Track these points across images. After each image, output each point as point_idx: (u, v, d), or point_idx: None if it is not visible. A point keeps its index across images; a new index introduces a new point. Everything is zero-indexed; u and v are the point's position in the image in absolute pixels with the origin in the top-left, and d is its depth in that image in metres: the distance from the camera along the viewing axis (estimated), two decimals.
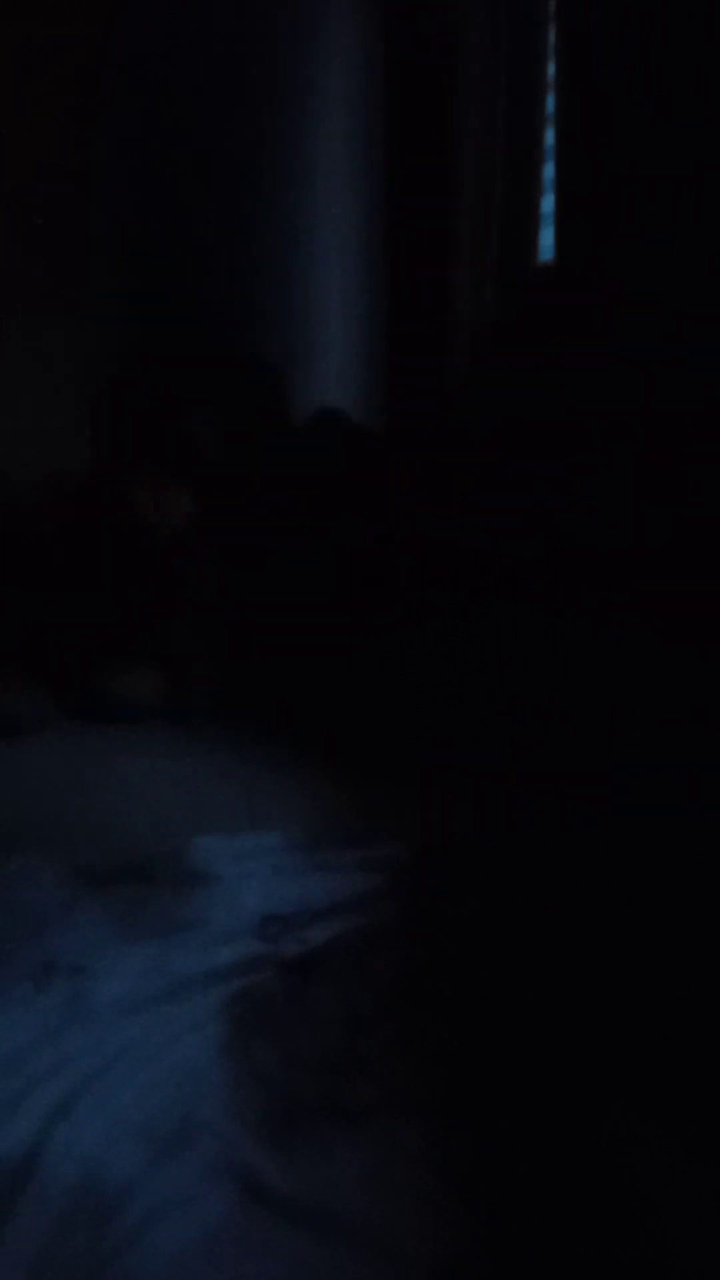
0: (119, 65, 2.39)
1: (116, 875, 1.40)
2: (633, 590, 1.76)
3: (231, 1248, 0.83)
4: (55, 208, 2.38)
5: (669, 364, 1.66)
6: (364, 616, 2.23)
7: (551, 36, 2.01)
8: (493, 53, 2.15)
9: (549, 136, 2.10)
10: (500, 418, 2.19)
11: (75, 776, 1.85)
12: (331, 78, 2.60)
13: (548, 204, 2.14)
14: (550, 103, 2.06)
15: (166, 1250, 0.82)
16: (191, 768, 1.90)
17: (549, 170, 2.11)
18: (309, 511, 2.31)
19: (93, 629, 2.27)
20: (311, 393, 2.57)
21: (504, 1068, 1.04)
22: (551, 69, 2.02)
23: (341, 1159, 0.92)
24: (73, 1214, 0.85)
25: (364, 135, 2.62)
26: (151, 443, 2.38)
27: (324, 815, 1.64)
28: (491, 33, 2.14)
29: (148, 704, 2.18)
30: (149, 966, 1.18)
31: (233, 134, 2.53)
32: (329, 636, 2.20)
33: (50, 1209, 0.85)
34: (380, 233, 2.64)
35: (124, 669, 2.22)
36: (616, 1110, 0.98)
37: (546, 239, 2.17)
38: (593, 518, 1.85)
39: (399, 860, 1.46)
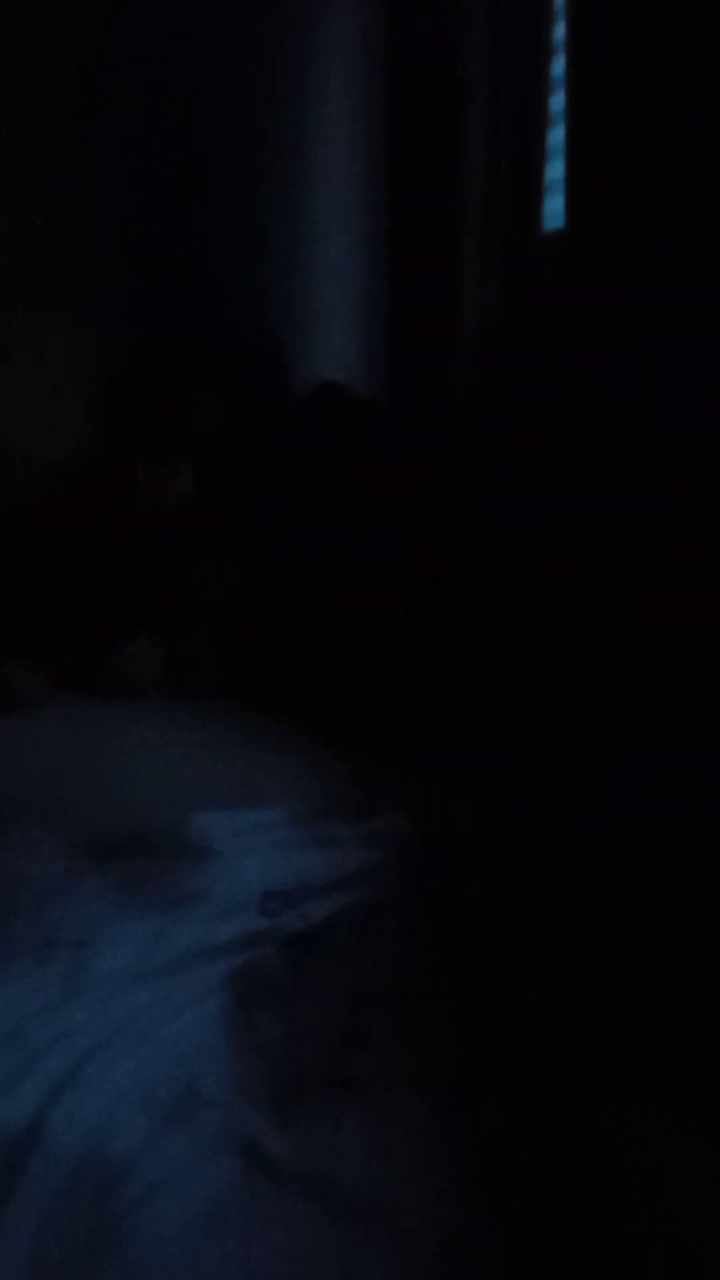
0: (119, 65, 2.41)
1: (118, 849, 1.40)
2: (633, 589, 1.75)
3: (234, 1219, 0.82)
4: (55, 208, 2.40)
5: (682, 349, 1.63)
6: (365, 597, 2.22)
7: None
8: (493, 19, 2.13)
9: (556, 100, 2.07)
10: (506, 398, 2.17)
11: (78, 750, 1.85)
12: (333, 52, 2.59)
13: (555, 171, 2.10)
14: (558, 66, 2.04)
15: (169, 1222, 0.81)
16: (193, 743, 1.90)
17: (555, 135, 2.07)
18: (311, 487, 2.31)
19: (96, 605, 2.27)
20: (313, 372, 2.56)
21: (506, 1044, 1.04)
22: (560, 29, 2.00)
23: (345, 1132, 0.92)
24: (75, 1186, 0.84)
25: (365, 130, 2.63)
26: (152, 420, 2.39)
27: (325, 792, 1.63)
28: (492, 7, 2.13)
29: (150, 680, 2.19)
30: (150, 940, 1.18)
31: (234, 107, 2.52)
32: (330, 615, 2.19)
33: (53, 1182, 0.84)
34: (384, 220, 2.63)
35: (127, 645, 2.22)
36: (619, 1088, 0.98)
37: (555, 208, 2.13)
38: (595, 511, 1.83)
39: (400, 836, 1.45)
